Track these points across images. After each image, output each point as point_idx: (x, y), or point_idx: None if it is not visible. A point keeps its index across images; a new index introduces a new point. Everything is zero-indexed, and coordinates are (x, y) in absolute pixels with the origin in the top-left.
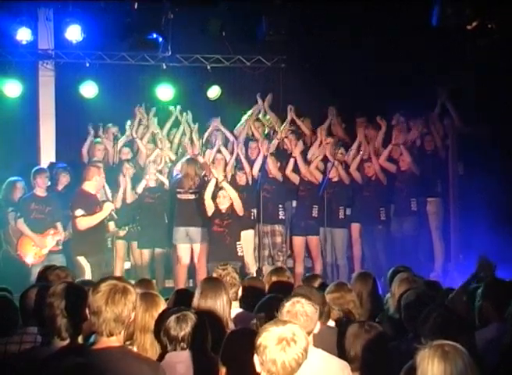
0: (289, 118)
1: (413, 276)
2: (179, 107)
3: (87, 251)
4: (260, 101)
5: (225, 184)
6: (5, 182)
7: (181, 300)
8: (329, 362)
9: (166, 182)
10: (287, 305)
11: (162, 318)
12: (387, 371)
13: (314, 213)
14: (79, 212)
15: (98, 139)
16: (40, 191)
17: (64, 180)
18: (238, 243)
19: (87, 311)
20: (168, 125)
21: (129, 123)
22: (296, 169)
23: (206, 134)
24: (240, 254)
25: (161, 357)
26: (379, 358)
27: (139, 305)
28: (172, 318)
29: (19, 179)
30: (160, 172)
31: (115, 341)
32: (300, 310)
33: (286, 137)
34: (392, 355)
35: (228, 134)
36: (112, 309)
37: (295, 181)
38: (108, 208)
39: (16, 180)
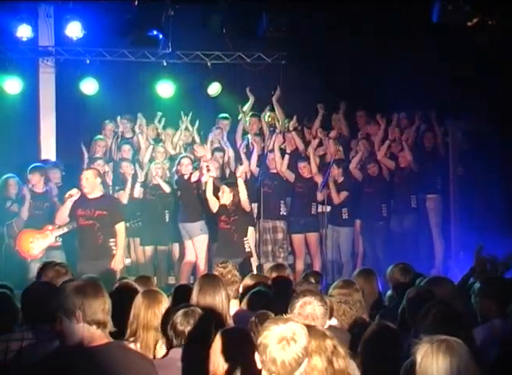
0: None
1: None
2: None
3: None
4: (251, 96)
5: (239, 181)
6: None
7: (182, 296)
8: None
9: (165, 187)
10: (298, 306)
11: (169, 313)
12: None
13: (313, 211)
14: None
15: (100, 136)
16: (37, 188)
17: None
18: (245, 239)
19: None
20: (178, 134)
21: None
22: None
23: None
24: (247, 250)
25: (166, 352)
26: (386, 355)
27: (141, 302)
28: (180, 313)
29: (13, 175)
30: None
31: (107, 337)
32: (311, 313)
33: (294, 129)
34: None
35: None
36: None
37: (290, 179)
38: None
39: (9, 177)
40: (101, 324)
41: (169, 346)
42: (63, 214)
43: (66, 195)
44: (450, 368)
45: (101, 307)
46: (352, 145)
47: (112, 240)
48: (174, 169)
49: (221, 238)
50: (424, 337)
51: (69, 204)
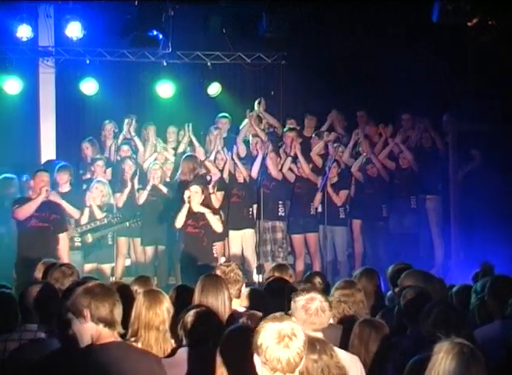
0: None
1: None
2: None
3: None
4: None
5: (204, 210)
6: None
7: (183, 296)
8: (343, 356)
9: (163, 189)
10: (304, 302)
11: (178, 312)
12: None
13: (313, 211)
14: None
15: (88, 138)
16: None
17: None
18: (213, 244)
19: (86, 312)
20: (182, 146)
21: (126, 121)
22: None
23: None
24: (215, 255)
25: (173, 352)
26: (382, 354)
27: (142, 302)
28: (191, 313)
29: (12, 175)
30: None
31: (116, 335)
32: (320, 306)
33: (292, 130)
34: (394, 352)
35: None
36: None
37: (290, 180)
38: None
39: (8, 177)
40: (107, 323)
41: (178, 345)
42: (29, 210)
43: (42, 191)
44: (453, 371)
45: (109, 308)
46: (352, 137)
47: (57, 247)
48: (179, 172)
49: (189, 242)
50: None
51: (39, 201)
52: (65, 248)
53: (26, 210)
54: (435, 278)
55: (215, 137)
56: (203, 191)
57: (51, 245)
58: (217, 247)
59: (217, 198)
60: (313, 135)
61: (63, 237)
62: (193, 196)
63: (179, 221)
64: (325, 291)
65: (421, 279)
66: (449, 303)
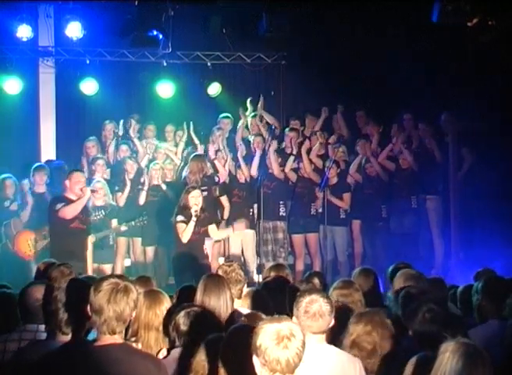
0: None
1: (417, 273)
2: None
3: None
4: (250, 106)
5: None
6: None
7: (186, 296)
8: (341, 357)
9: (164, 188)
10: (304, 304)
11: (171, 313)
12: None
13: (313, 211)
14: None
15: (90, 137)
16: (38, 188)
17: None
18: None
19: (89, 309)
20: (181, 144)
21: (128, 121)
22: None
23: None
24: (205, 252)
25: (168, 353)
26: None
27: (142, 303)
28: (182, 313)
29: (10, 175)
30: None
31: (117, 338)
32: (318, 310)
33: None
34: (397, 350)
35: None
36: (114, 308)
37: (292, 179)
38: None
39: (6, 177)
40: (110, 330)
41: (171, 346)
42: (77, 209)
43: (86, 189)
44: (460, 371)
45: (114, 314)
46: (356, 147)
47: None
48: (185, 172)
49: (187, 248)
50: (412, 333)
51: (85, 200)
52: (90, 250)
53: (74, 210)
54: (424, 277)
55: (217, 137)
56: (202, 195)
57: (86, 246)
58: (205, 244)
59: (222, 205)
60: (311, 136)
61: (90, 239)
62: (197, 201)
63: (186, 236)
64: (324, 292)
65: (410, 279)
66: (438, 302)
